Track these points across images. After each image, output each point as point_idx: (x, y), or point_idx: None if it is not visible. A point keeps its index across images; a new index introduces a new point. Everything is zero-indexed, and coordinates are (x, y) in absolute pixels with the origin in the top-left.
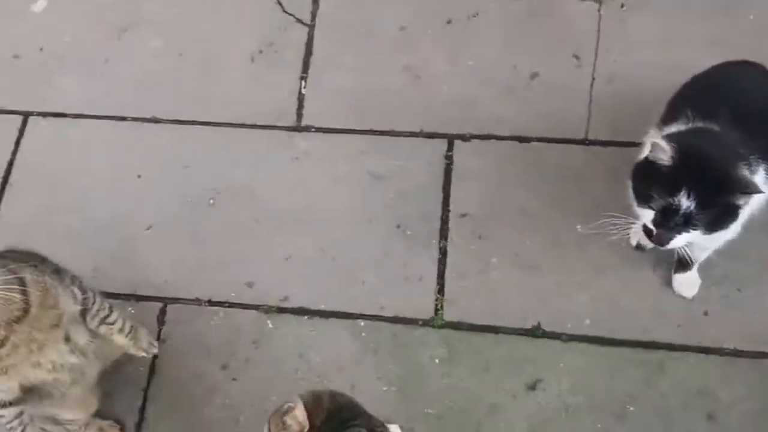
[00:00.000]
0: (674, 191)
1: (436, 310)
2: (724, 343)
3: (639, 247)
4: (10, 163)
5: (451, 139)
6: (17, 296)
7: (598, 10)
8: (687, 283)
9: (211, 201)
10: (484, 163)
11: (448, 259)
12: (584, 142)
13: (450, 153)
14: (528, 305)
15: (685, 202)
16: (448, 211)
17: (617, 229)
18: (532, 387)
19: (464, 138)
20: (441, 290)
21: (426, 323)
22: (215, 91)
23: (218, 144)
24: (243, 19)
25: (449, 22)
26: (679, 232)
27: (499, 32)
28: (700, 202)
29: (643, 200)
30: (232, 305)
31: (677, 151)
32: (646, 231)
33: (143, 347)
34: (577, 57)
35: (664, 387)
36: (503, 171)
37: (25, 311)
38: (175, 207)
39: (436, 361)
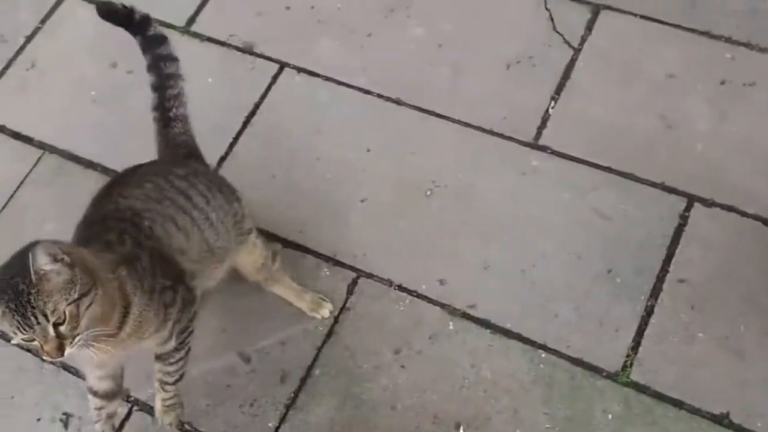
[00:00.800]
0: None
1: (624, 366)
2: None
3: None
4: (256, 106)
5: (691, 199)
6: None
7: None
8: None
9: (429, 192)
10: (720, 235)
11: (652, 320)
12: None
13: (687, 213)
14: (722, 391)
15: None
16: (667, 271)
17: None
18: None
19: (706, 203)
20: (635, 348)
21: (609, 376)
22: (462, 89)
23: (450, 140)
24: (509, 26)
25: (722, 83)
26: None
27: None
28: None
29: None
30: (419, 296)
31: None
32: None
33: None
34: None
35: None
36: (738, 248)
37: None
38: (392, 188)
39: (609, 416)
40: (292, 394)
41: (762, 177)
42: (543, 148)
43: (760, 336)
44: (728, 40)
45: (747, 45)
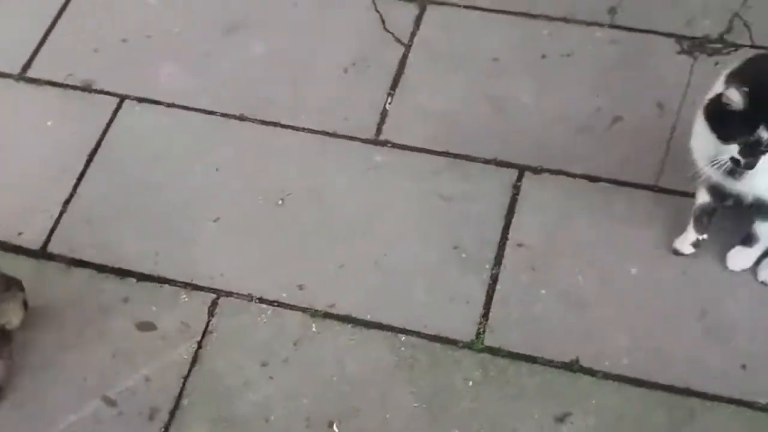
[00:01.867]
0: (753, 129)
1: (478, 333)
2: (759, 397)
3: (676, 252)
4: (98, 143)
5: (522, 169)
6: None
7: (691, 65)
8: (742, 257)
9: (280, 202)
10: (550, 198)
11: (498, 286)
12: (653, 188)
13: (518, 183)
14: (569, 340)
15: (765, 133)
16: (507, 239)
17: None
18: (561, 419)
19: (535, 170)
20: (486, 315)
21: (465, 345)
22: (304, 98)
23: (297, 148)
24: (344, 32)
25: (543, 57)
26: (761, 154)
27: (590, 74)
28: None
29: (726, 138)
30: (281, 305)
31: (748, 94)
32: (734, 161)
33: None
34: (660, 107)
35: None
36: (568, 207)
37: None
38: (245, 203)
39: (470, 383)
40: (163, 429)
41: (583, 139)
42: (384, 143)
43: (595, 285)
44: (546, 17)
45: (563, 19)
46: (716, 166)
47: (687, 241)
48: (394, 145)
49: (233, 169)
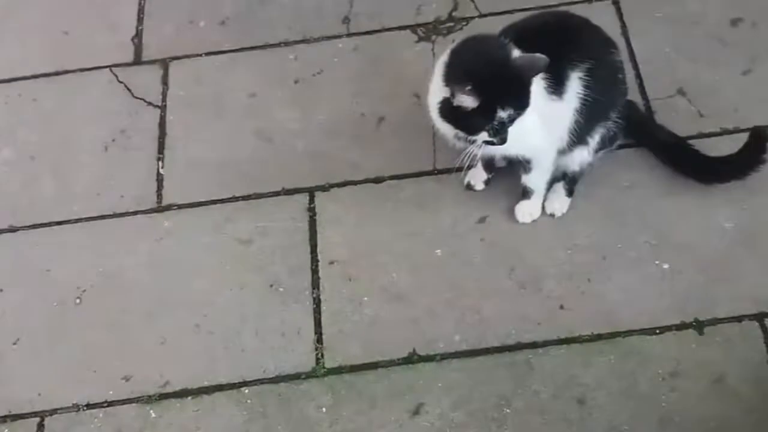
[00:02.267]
0: (492, 114)
1: (317, 359)
2: (582, 331)
3: (469, 186)
4: None
5: (311, 191)
6: None
7: (432, 50)
8: (527, 210)
9: (78, 300)
10: (344, 210)
11: (323, 307)
12: (433, 172)
13: (312, 205)
14: (402, 335)
15: (503, 113)
16: (317, 261)
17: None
18: (416, 412)
19: (323, 188)
20: (320, 339)
21: (309, 375)
22: (71, 188)
23: (78, 240)
24: (92, 112)
25: (296, 82)
26: (509, 126)
27: (345, 85)
28: (511, 104)
29: (473, 132)
30: (111, 404)
31: (473, 89)
32: (487, 142)
33: None
34: (417, 96)
35: (534, 383)
36: (363, 213)
37: None
38: (41, 314)
39: (323, 410)
40: None
41: (358, 146)
42: (168, 208)
43: (408, 275)
44: (286, 43)
45: (304, 41)
46: (472, 146)
47: (479, 178)
48: (180, 207)
49: (18, 284)
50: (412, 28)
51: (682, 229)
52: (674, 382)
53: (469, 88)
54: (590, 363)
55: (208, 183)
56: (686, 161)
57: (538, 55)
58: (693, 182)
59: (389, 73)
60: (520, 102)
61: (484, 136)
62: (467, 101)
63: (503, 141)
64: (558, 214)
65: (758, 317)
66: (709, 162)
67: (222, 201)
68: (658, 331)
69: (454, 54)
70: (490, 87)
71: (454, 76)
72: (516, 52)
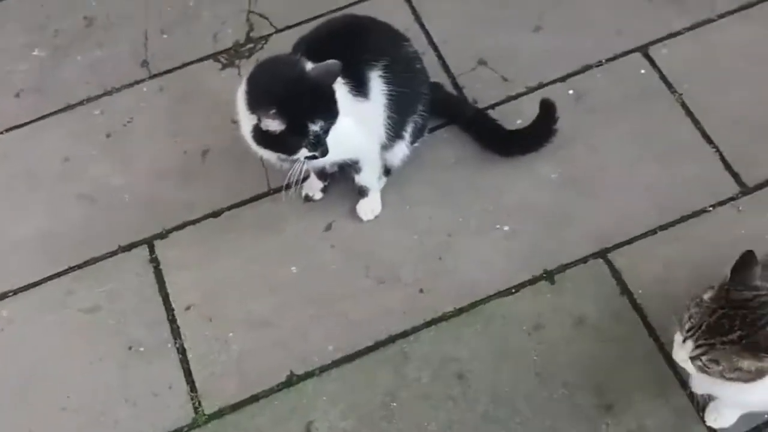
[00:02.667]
0: (305, 130)
1: (196, 408)
2: (445, 308)
3: (308, 198)
4: None
5: (149, 241)
6: None
7: (238, 74)
8: (368, 207)
9: None
10: (188, 251)
11: (189, 355)
12: (269, 193)
13: (153, 255)
14: (275, 360)
15: (315, 126)
16: (172, 310)
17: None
18: (307, 431)
19: (161, 236)
20: (193, 388)
21: (191, 427)
22: None
23: None
24: None
25: (108, 136)
26: (325, 137)
27: (159, 127)
28: (320, 116)
29: (292, 152)
30: None
31: (278, 112)
32: (309, 157)
33: None
34: (234, 122)
35: (412, 371)
36: (208, 250)
37: None
38: None
39: None
40: None
41: (188, 184)
42: (4, 296)
43: (265, 298)
44: (89, 99)
45: (106, 93)
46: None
47: (315, 188)
48: (15, 292)
49: None
50: (214, 56)
51: (512, 190)
52: (540, 334)
53: (273, 111)
54: (460, 337)
55: (38, 260)
56: (488, 136)
57: (330, 61)
58: None
59: (201, 105)
60: (328, 112)
61: (304, 152)
62: (275, 125)
63: (324, 153)
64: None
65: (601, 254)
66: (508, 136)
67: (57, 275)
68: (514, 291)
69: (251, 81)
70: (294, 105)
71: (256, 102)
72: (309, 65)
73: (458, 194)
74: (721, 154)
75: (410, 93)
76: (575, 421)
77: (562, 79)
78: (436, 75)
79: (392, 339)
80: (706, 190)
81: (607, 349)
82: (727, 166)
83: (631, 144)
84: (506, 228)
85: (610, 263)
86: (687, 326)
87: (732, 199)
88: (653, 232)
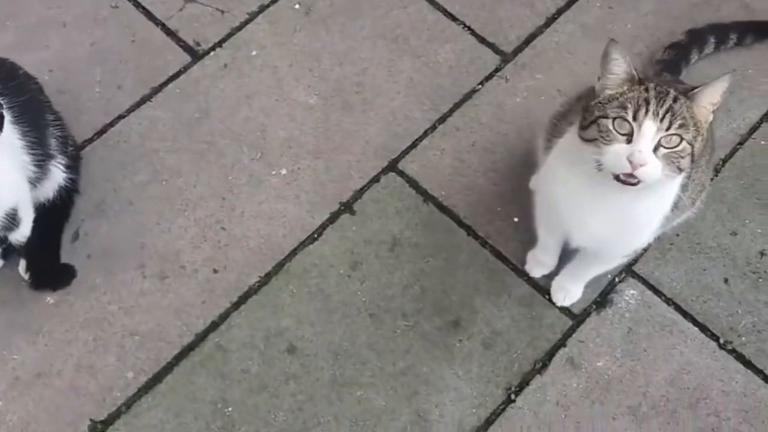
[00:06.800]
0: None
1: None
2: (249, 280)
3: None
4: None
5: None
6: None
7: None
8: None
9: None
10: None
11: None
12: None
13: None
14: (65, 417)
15: None
16: None
17: None
18: None
19: None
20: None
21: None
22: None
23: None
24: None
25: None
26: None
27: None
28: None
29: None
30: None
31: None
32: None
33: None
34: None
35: (236, 363)
36: None
37: None
38: None
39: None
40: None
41: None
42: None
43: (31, 352)
44: None
45: None
46: None
47: None
48: None
49: None
50: None
51: (275, 126)
52: (359, 273)
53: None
54: (277, 306)
55: None
56: None
57: None
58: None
59: None
60: None
61: None
62: None
63: None
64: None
65: (391, 167)
66: None
67: None
68: (316, 236)
69: None
70: None
71: None
72: None
73: (216, 151)
74: (470, 29)
75: (40, 127)
76: (427, 351)
77: None
78: (142, 27)
79: (201, 337)
80: (469, 69)
81: (431, 263)
82: (481, 40)
83: (380, 46)
84: (283, 171)
85: (403, 173)
86: (631, 115)
87: (496, 70)
88: (433, 128)
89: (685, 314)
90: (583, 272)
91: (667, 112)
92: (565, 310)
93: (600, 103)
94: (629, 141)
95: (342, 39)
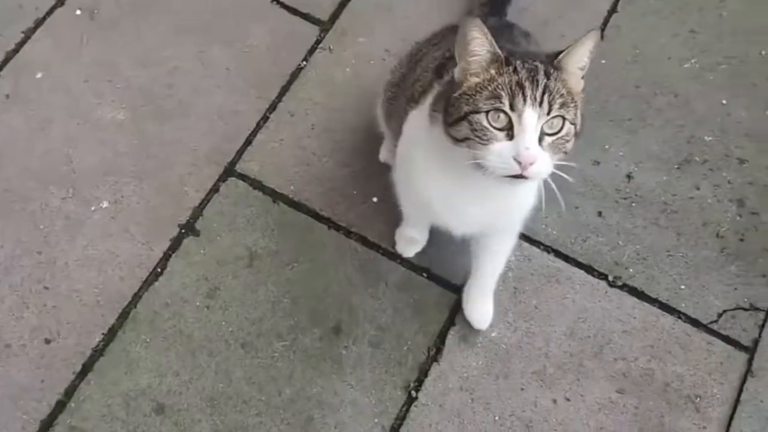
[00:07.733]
0: None
1: None
2: (89, 343)
3: None
4: None
5: None
6: None
7: None
8: None
9: None
10: None
11: None
12: None
13: None
14: None
15: None
16: None
17: None
18: None
19: None
20: None
21: None
22: None
23: None
24: None
25: None
26: None
27: None
28: None
29: None
30: None
31: None
32: None
33: None
34: None
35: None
36: None
37: None
38: None
39: None
40: None
41: None
42: None
43: None
44: None
45: None
46: None
47: None
48: None
49: None
50: None
51: (80, 156)
52: (219, 299)
53: None
54: (131, 362)
55: None
56: None
57: None
58: None
59: None
60: None
61: None
62: None
63: None
64: None
65: (228, 171)
66: None
67: None
68: (159, 270)
69: None
70: None
71: None
72: None
73: (17, 198)
74: (279, 2)
75: None
76: (313, 368)
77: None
78: None
79: (48, 423)
80: (289, 46)
81: (297, 269)
82: (294, 12)
83: (184, 40)
84: (104, 204)
85: (243, 176)
86: (507, 104)
87: (318, 42)
88: (265, 118)
89: (567, 258)
90: (486, 280)
91: (544, 93)
92: (446, 283)
93: (466, 94)
94: (510, 136)
95: (139, 40)
